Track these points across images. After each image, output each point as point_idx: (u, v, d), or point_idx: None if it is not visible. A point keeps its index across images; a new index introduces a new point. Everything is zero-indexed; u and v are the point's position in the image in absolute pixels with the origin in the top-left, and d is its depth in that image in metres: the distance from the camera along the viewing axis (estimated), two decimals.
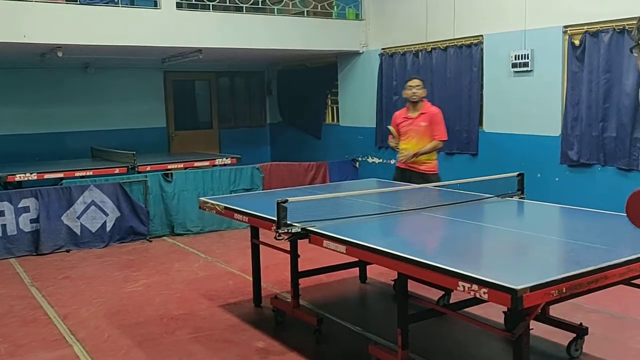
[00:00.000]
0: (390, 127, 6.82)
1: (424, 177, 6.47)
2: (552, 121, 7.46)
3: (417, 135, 6.60)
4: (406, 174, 6.61)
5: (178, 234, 8.39)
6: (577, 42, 7.14)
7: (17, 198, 7.42)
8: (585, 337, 4.30)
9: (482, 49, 8.33)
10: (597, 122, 6.95)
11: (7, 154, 10.09)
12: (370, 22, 10.32)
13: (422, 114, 6.64)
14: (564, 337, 4.35)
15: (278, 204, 4.12)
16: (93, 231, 7.78)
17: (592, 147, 7.05)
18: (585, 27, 7.02)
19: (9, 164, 9.16)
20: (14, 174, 8.07)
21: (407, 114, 6.73)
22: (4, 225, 7.32)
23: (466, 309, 4.20)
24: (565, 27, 7.27)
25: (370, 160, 10.47)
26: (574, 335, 4.29)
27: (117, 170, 8.74)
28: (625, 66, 6.68)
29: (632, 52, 2.27)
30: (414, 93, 6.65)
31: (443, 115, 8.92)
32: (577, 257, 3.36)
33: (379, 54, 10.07)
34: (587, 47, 7.01)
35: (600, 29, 6.87)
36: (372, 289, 6.07)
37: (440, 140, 6.62)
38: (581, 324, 4.33)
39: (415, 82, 6.71)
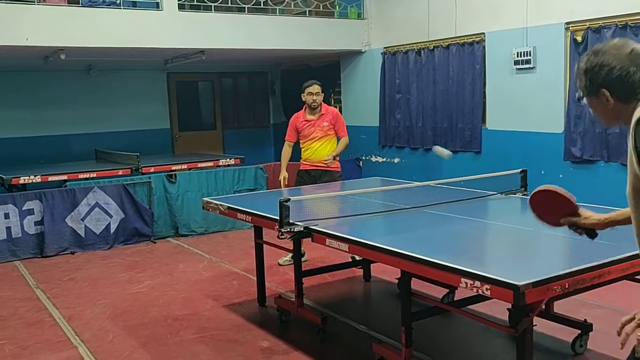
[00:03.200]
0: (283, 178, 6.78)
1: (332, 175, 6.66)
2: (555, 118, 7.44)
3: (321, 135, 6.68)
4: (313, 174, 6.70)
5: (182, 235, 8.40)
6: (579, 39, 7.12)
7: (22, 200, 7.45)
8: (590, 333, 4.29)
9: (484, 47, 8.31)
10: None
11: (11, 157, 10.09)
12: (372, 21, 10.31)
13: (322, 114, 6.69)
14: (568, 334, 4.34)
15: (280, 203, 4.12)
16: (97, 233, 7.80)
17: (595, 143, 7.03)
18: (588, 24, 7.00)
19: (13, 166, 9.16)
20: (18, 177, 8.08)
21: (307, 117, 6.77)
22: (8, 228, 7.35)
23: (470, 307, 4.19)
24: (567, 23, 7.25)
25: (373, 159, 10.46)
26: (579, 331, 4.29)
27: (120, 172, 8.73)
28: None
29: (579, 101, 2.32)
30: (314, 100, 6.66)
31: (446, 113, 8.94)
32: (580, 253, 3.35)
33: (381, 53, 10.07)
34: (590, 44, 6.98)
35: (603, 25, 6.85)
36: (376, 288, 6.06)
37: (346, 137, 6.77)
38: (585, 320, 4.32)
39: (315, 88, 6.69)
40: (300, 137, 6.84)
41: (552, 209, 2.55)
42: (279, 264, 6.70)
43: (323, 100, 6.82)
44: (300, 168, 6.86)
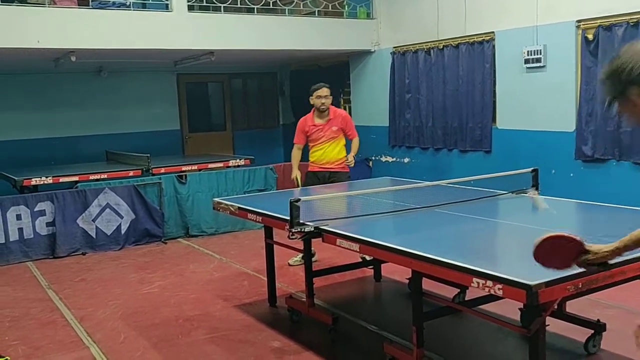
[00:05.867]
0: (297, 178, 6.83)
1: (340, 177, 6.66)
2: (566, 117, 7.40)
3: (331, 139, 6.68)
4: (320, 176, 6.69)
5: (193, 236, 8.42)
6: (590, 37, 7.08)
7: (33, 202, 7.49)
8: (603, 333, 4.26)
9: (494, 46, 8.28)
10: (612, 117, 6.88)
11: (22, 159, 10.18)
12: (381, 21, 10.30)
13: (330, 119, 6.68)
14: (581, 334, 4.31)
15: (291, 203, 4.12)
16: (108, 234, 7.83)
17: (607, 142, 6.98)
18: (599, 22, 6.96)
19: (24, 168, 9.25)
20: (30, 178, 8.14)
21: (315, 122, 6.75)
22: (20, 229, 7.40)
23: (482, 306, 4.17)
24: (578, 21, 7.21)
25: (383, 159, 10.45)
26: (592, 331, 4.26)
27: (131, 173, 8.76)
28: None
29: (609, 108, 2.21)
30: (323, 103, 6.64)
31: (457, 112, 8.92)
32: None
33: (390, 53, 10.05)
34: (601, 42, 6.94)
35: (614, 22, 6.81)
36: (387, 288, 6.05)
37: (357, 137, 6.91)
38: (598, 320, 4.29)
39: (324, 91, 6.67)
40: (308, 140, 6.83)
41: (560, 256, 2.34)
42: (289, 264, 6.70)
43: (332, 102, 6.81)
44: (309, 169, 6.85)
